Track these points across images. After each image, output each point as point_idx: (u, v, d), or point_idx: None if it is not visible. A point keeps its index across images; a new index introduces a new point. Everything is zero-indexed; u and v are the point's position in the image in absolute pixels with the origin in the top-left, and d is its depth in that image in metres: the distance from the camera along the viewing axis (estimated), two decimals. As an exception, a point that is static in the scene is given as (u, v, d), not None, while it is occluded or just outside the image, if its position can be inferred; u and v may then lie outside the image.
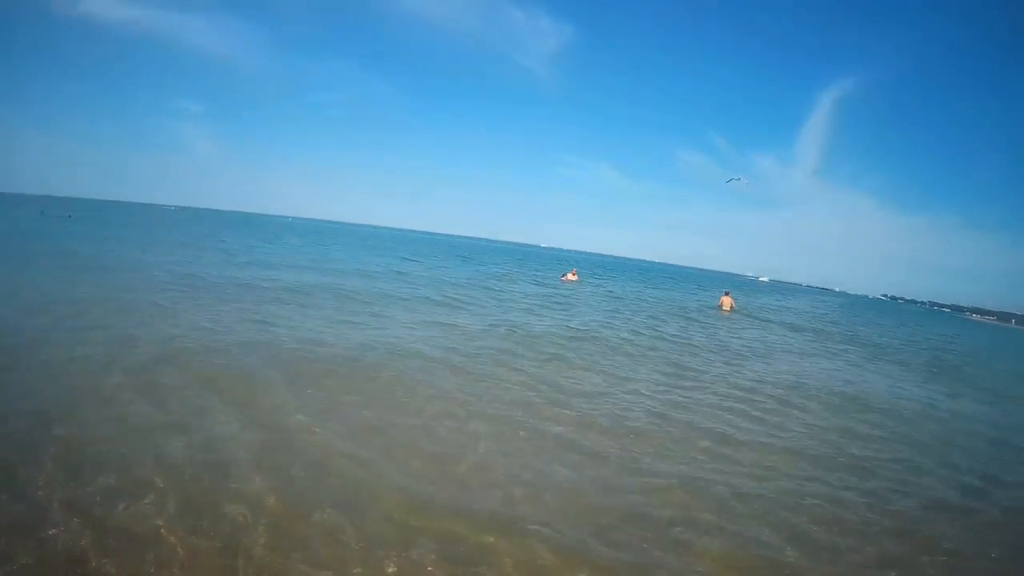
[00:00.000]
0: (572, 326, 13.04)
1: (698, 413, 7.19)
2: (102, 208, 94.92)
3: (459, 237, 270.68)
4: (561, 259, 79.99)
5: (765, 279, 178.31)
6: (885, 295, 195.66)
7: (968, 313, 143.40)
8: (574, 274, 31.35)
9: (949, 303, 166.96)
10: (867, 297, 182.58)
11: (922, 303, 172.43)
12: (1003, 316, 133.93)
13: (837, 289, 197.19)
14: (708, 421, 6.89)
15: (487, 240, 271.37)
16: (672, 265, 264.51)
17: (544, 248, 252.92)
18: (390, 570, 3.33)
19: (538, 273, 35.42)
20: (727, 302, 24.33)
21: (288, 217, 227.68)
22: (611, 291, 28.13)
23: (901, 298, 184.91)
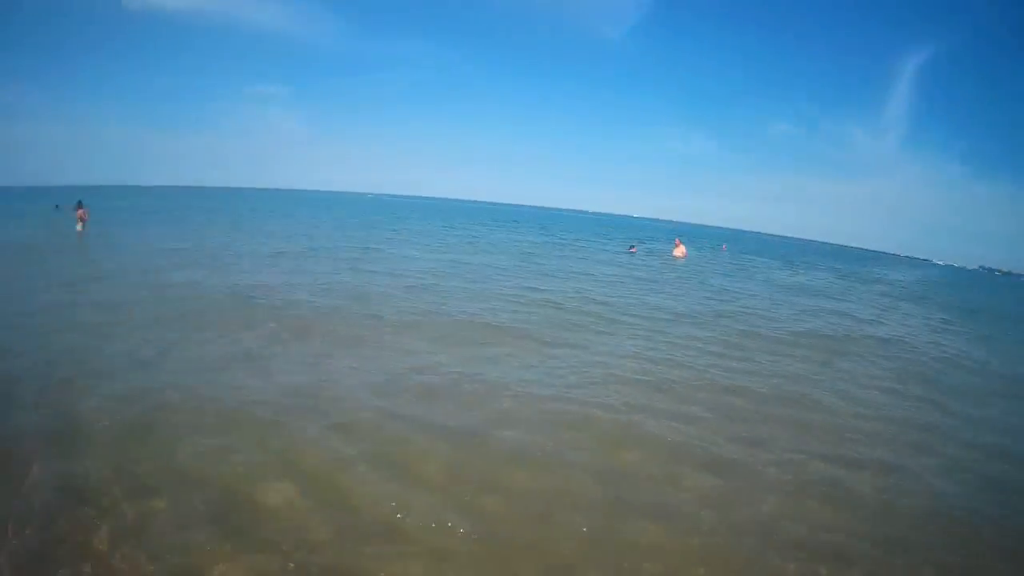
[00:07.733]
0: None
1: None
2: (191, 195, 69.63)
3: (544, 208, 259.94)
4: (658, 229, 76.79)
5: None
6: (982, 267, 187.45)
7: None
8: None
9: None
10: (965, 268, 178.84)
11: (1021, 275, 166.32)
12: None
13: (940, 262, 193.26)
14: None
15: (574, 211, 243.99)
16: (764, 233, 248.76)
17: (636, 218, 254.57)
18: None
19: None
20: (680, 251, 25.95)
21: (368, 195, 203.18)
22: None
23: (999, 270, 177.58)
